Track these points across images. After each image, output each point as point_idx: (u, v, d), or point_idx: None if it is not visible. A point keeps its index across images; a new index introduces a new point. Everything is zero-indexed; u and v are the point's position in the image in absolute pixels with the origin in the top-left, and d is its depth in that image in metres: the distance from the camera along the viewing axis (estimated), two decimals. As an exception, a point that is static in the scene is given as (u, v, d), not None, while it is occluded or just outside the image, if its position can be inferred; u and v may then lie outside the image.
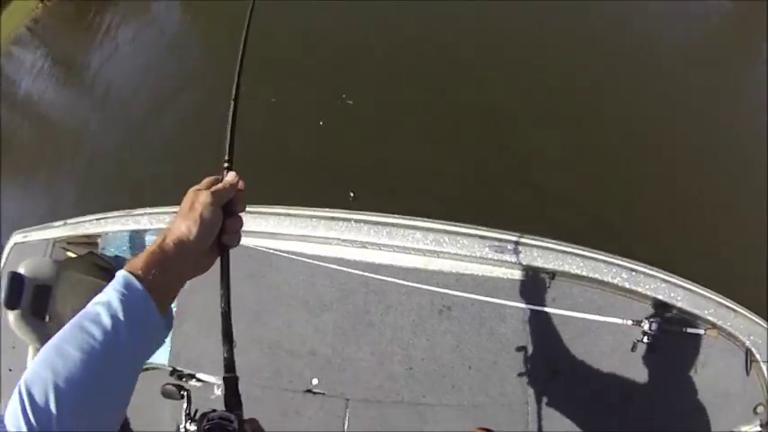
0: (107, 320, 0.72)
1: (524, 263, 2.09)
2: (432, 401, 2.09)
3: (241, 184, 0.91)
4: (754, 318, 2.01)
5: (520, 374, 2.06)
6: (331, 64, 4.82)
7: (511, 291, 2.10)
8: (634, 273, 2.05)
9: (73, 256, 3.65)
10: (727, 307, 2.02)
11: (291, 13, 5.26)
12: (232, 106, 0.97)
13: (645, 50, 4.06)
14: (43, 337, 3.14)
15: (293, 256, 2.37)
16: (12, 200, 6.70)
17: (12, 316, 3.10)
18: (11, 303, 3.07)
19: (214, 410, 0.90)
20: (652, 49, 4.06)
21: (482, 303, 2.09)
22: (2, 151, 7.03)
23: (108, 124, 6.50)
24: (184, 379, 2.90)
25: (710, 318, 2.00)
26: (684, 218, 3.39)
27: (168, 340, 2.78)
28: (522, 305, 2.06)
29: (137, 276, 0.77)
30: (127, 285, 0.76)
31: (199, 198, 0.85)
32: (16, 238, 4.05)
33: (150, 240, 3.04)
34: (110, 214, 3.27)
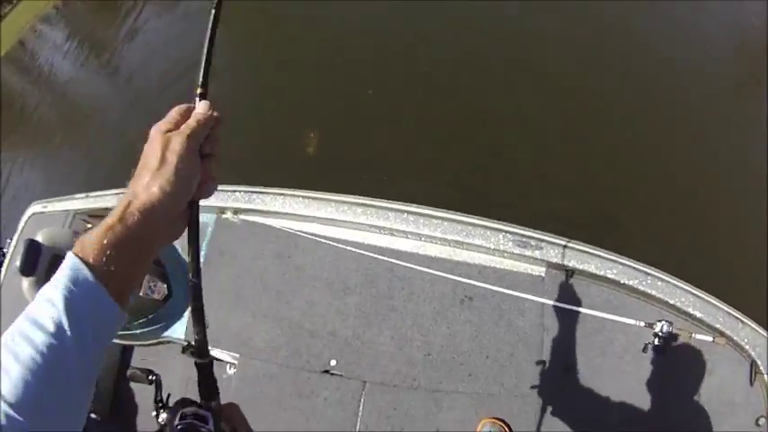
0: (49, 325, 0.58)
1: (545, 259, 2.17)
2: (448, 388, 2.15)
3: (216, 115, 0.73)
4: (760, 330, 2.09)
5: (535, 368, 2.13)
6: (358, 58, 5.00)
7: (531, 285, 2.18)
8: (649, 277, 2.13)
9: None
10: (736, 317, 2.10)
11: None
12: (212, 19, 0.78)
13: (652, 58, 4.24)
14: None
15: (320, 239, 2.44)
16: (26, 171, 6.81)
17: (26, 283, 3.13)
18: (27, 270, 3.10)
19: (189, 403, 0.84)
20: (659, 58, 4.24)
21: (503, 296, 2.17)
22: (22, 124, 7.21)
23: (124, 103, 6.65)
24: None
25: (719, 326, 2.08)
26: (691, 224, 3.51)
27: (186, 314, 2.83)
28: (541, 300, 2.14)
29: (88, 264, 0.60)
30: (74, 278, 0.60)
31: (171, 145, 0.67)
32: (34, 208, 4.08)
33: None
34: None
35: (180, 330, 2.80)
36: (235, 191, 2.75)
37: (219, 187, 3.25)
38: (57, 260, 3.05)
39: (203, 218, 2.98)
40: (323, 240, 2.43)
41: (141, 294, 2.80)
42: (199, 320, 0.78)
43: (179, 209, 0.69)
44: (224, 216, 2.82)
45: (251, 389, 2.46)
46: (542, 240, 2.17)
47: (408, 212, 2.33)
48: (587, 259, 2.15)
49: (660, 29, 4.40)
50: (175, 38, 6.78)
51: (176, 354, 3.00)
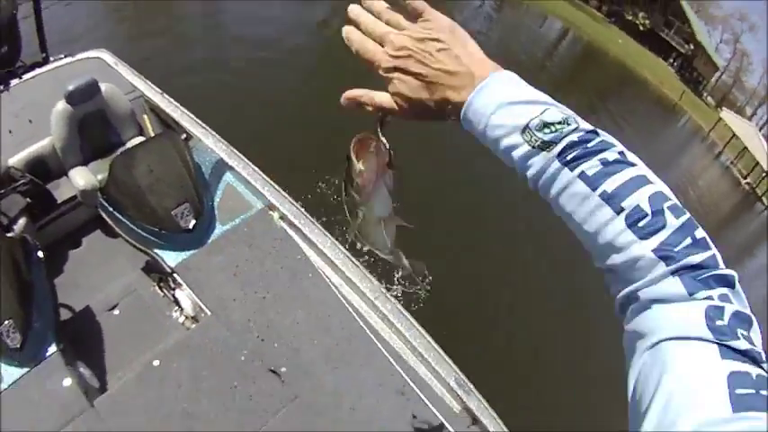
0: None
1: (464, 402, 2.85)
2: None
3: None
4: None
5: None
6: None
7: (447, 412, 2.84)
8: None
9: (147, 120, 3.99)
10: None
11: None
12: None
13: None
14: (68, 143, 3.42)
15: (334, 286, 3.04)
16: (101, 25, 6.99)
17: (61, 106, 3.33)
18: (73, 100, 3.32)
19: None
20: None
21: (424, 406, 2.83)
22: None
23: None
24: (164, 284, 3.28)
25: None
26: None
27: (188, 254, 3.19)
28: (448, 426, 2.80)
29: None
30: None
31: None
32: (104, 55, 4.23)
33: (228, 180, 3.51)
34: (212, 131, 3.70)
35: (172, 258, 3.18)
36: (293, 203, 3.28)
37: (280, 189, 3.81)
38: (98, 114, 3.48)
39: (249, 198, 3.43)
40: (335, 288, 3.02)
41: (173, 213, 3.13)
42: None
43: None
44: (270, 212, 3.32)
45: (202, 344, 2.86)
46: (471, 390, 2.88)
47: (402, 314, 2.99)
48: (489, 418, 2.86)
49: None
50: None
51: (137, 267, 3.34)
